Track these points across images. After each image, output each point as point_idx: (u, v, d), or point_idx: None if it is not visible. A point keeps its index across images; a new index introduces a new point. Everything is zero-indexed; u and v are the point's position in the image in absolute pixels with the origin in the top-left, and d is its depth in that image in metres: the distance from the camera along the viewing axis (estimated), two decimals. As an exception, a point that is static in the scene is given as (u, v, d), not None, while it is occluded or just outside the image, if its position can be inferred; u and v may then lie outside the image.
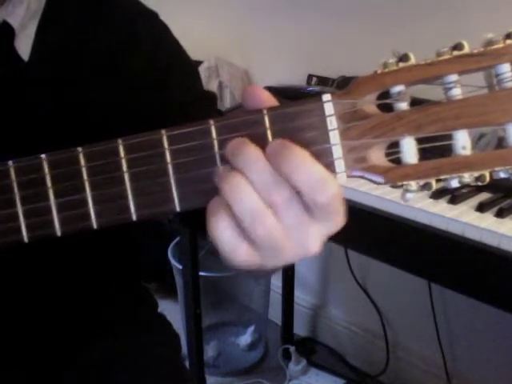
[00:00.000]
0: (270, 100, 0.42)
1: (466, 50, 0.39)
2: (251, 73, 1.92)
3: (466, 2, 1.35)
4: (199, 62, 1.83)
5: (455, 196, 1.06)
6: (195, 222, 0.66)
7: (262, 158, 0.40)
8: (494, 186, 1.10)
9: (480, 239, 0.95)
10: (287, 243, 0.41)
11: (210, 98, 0.75)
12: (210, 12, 1.97)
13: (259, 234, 0.40)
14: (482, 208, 1.01)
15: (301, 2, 1.75)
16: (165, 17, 0.75)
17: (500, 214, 0.99)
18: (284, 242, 0.41)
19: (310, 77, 1.63)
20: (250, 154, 0.40)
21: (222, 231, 0.41)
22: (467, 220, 0.98)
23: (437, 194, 1.07)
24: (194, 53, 0.81)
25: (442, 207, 1.03)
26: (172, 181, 0.43)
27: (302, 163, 0.40)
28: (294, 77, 1.66)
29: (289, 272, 1.92)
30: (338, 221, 0.41)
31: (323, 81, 1.58)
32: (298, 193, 0.40)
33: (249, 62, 1.91)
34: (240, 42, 1.93)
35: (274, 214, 0.40)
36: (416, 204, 1.04)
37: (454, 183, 0.41)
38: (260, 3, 1.84)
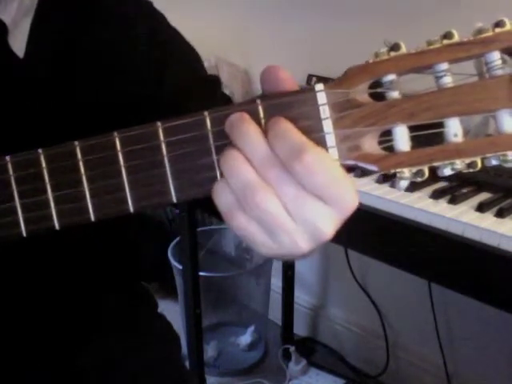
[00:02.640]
0: (289, 79, 0.43)
1: (456, 38, 0.40)
2: (251, 73, 1.92)
3: (466, 3, 1.35)
4: (199, 62, 1.83)
5: (455, 196, 1.06)
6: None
7: (258, 132, 0.41)
8: (494, 185, 1.10)
9: (480, 239, 0.95)
10: (290, 222, 0.41)
11: (214, 82, 0.75)
12: (210, 12, 1.97)
13: (252, 206, 0.41)
14: (481, 208, 1.01)
15: (301, 2, 1.75)
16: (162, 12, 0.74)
17: (500, 214, 0.99)
18: (284, 219, 0.41)
19: (309, 77, 1.63)
20: (246, 129, 0.41)
21: (220, 198, 0.43)
22: (467, 220, 0.98)
23: (437, 194, 1.07)
24: (193, 52, 0.81)
25: (442, 207, 1.03)
26: (168, 172, 0.44)
27: (281, 131, 0.41)
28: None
29: (289, 272, 1.92)
30: (340, 199, 0.41)
31: (323, 81, 1.58)
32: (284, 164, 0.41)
33: (249, 62, 1.91)
34: (240, 42, 1.93)
35: (272, 189, 0.41)
36: (416, 204, 1.04)
37: (447, 171, 0.42)
38: (260, 3, 1.84)
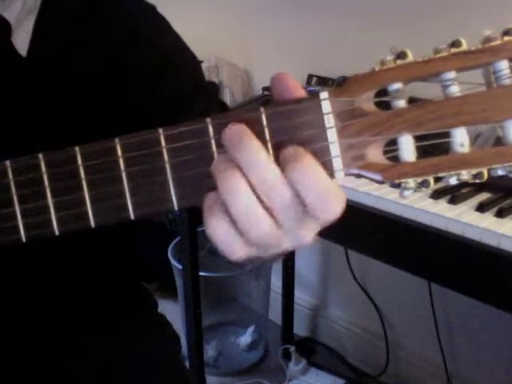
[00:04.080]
0: (298, 87, 0.42)
1: (464, 47, 0.39)
2: (251, 73, 1.92)
3: (467, 3, 1.35)
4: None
5: (455, 196, 1.06)
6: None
7: (265, 154, 0.40)
8: (494, 185, 1.10)
9: (480, 239, 0.95)
10: (283, 238, 0.41)
11: (211, 90, 0.75)
12: (210, 12, 1.97)
13: (254, 236, 0.40)
14: (482, 208, 1.01)
15: (301, 2, 1.75)
16: (165, 16, 0.74)
17: (500, 214, 0.99)
18: (280, 239, 0.41)
19: (310, 77, 1.63)
20: (252, 149, 0.40)
21: (217, 229, 0.41)
22: (467, 220, 0.98)
23: (437, 194, 1.07)
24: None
25: (442, 207, 1.03)
26: (170, 179, 0.43)
27: (312, 172, 0.39)
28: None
29: (289, 272, 1.91)
30: (332, 218, 0.41)
31: (323, 81, 1.58)
32: (298, 197, 0.39)
33: (249, 62, 1.91)
34: (240, 42, 1.93)
35: (271, 215, 0.40)
36: (416, 204, 1.04)
37: (453, 181, 0.41)
38: (260, 3, 1.84)
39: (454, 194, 1.06)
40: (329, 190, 0.39)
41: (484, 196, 1.09)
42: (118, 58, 0.68)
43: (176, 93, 0.69)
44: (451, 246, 0.99)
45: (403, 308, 1.74)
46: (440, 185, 1.11)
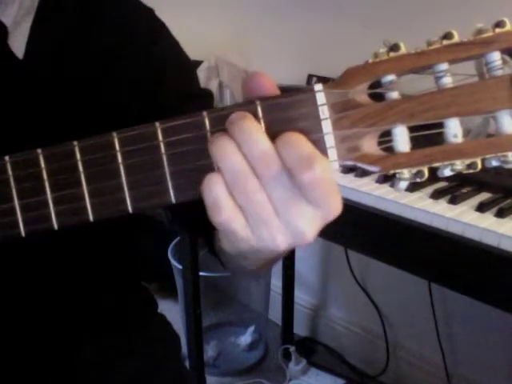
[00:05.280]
0: (270, 84, 0.43)
1: (456, 39, 0.40)
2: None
3: (466, 3, 1.35)
4: (199, 62, 1.83)
5: (455, 196, 1.06)
6: (193, 226, 0.66)
7: (260, 129, 0.41)
8: (494, 185, 1.10)
9: (480, 239, 0.95)
10: (274, 217, 0.41)
11: (206, 97, 0.75)
12: (210, 12, 1.97)
13: (241, 193, 0.41)
14: (482, 208, 1.01)
15: (301, 2, 1.75)
16: (165, 16, 0.75)
17: (500, 214, 0.99)
18: (270, 213, 0.41)
19: (310, 77, 1.63)
20: (247, 125, 0.41)
21: (211, 184, 0.42)
22: (467, 220, 0.98)
23: (437, 194, 1.07)
24: (193, 53, 0.81)
25: (442, 207, 1.03)
26: (167, 173, 0.44)
27: (293, 139, 0.40)
28: (294, 77, 1.66)
29: (289, 272, 1.92)
30: (331, 207, 0.41)
31: (323, 81, 1.58)
32: (288, 169, 0.40)
33: (249, 62, 1.91)
34: (240, 42, 1.93)
35: (261, 183, 0.41)
36: (416, 204, 1.04)
37: (447, 172, 0.41)
38: (260, 3, 1.84)
39: (454, 194, 1.06)
40: (309, 152, 0.40)
41: (484, 196, 1.09)
42: (117, 60, 0.68)
43: (171, 99, 0.69)
44: (451, 246, 0.99)
45: (403, 308, 1.74)
46: (440, 185, 1.11)
